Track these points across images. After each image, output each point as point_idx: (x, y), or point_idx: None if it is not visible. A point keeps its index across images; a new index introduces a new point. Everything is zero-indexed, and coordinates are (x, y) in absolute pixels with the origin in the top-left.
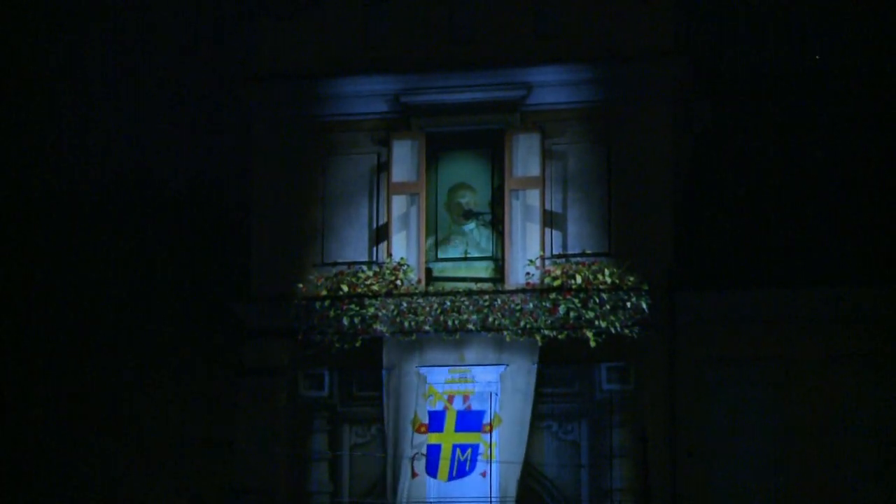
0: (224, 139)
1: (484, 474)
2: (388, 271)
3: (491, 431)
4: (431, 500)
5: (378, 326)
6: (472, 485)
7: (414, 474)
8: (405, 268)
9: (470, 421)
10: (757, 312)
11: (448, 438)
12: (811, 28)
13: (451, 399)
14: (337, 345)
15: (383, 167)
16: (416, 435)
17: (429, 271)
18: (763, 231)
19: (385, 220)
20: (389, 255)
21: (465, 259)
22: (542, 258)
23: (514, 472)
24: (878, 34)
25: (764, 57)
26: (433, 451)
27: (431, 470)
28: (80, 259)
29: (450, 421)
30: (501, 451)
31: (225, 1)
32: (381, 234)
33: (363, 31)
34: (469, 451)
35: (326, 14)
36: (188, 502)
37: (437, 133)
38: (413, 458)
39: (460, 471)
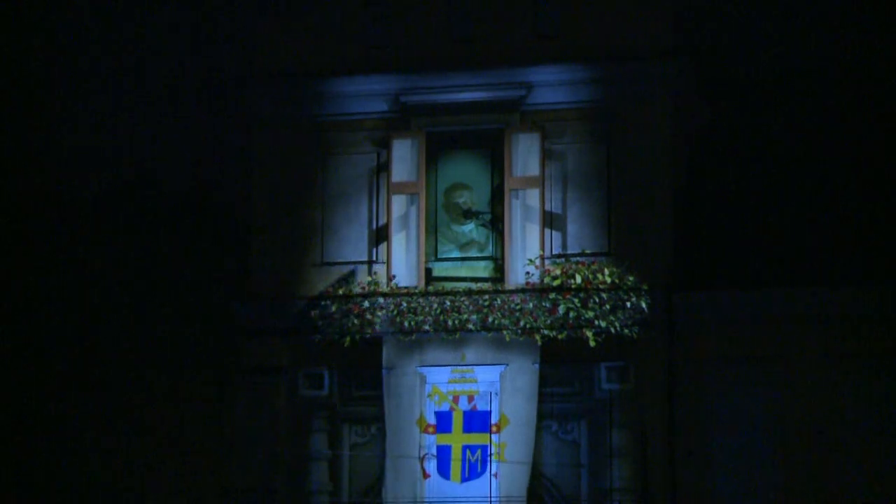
0: (224, 139)
1: (497, 475)
2: (378, 283)
3: (499, 432)
4: (432, 500)
5: (378, 326)
6: (483, 486)
7: (425, 475)
8: (395, 280)
9: (477, 421)
10: (757, 312)
11: (457, 439)
12: (811, 28)
13: (456, 399)
14: (337, 343)
15: (383, 167)
16: (424, 436)
17: (428, 271)
18: (763, 231)
19: (385, 219)
20: (389, 255)
21: (465, 259)
22: (542, 258)
23: (521, 474)
24: (877, 34)
25: (764, 57)
26: (443, 452)
27: (444, 471)
28: (80, 259)
29: (457, 422)
30: (508, 451)
31: (225, 0)
32: (380, 234)
33: (363, 31)
34: (479, 451)
35: (326, 14)
36: (188, 502)
37: (437, 133)
38: (423, 459)
39: (472, 472)
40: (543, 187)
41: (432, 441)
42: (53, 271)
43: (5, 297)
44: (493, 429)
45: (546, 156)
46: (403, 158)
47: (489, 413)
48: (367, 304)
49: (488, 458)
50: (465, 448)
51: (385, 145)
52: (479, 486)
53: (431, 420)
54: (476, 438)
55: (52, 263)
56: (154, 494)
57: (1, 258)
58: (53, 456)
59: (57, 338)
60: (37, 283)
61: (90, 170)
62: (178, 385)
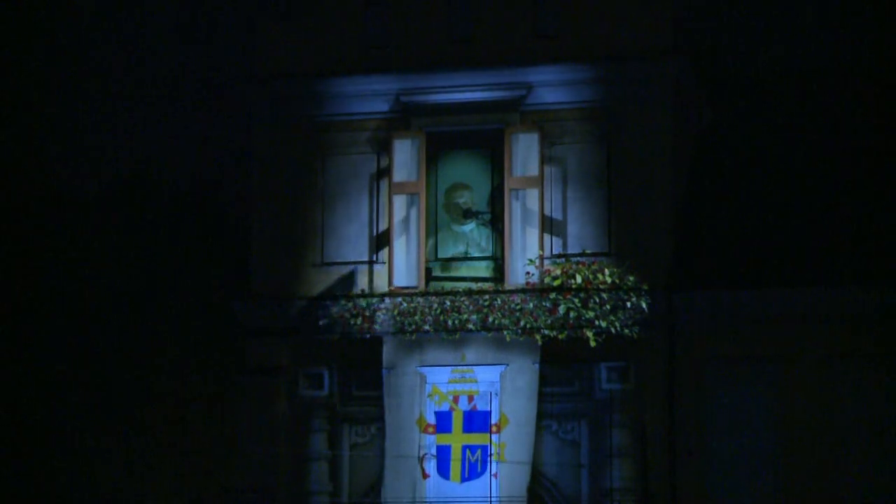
0: (224, 139)
1: (496, 475)
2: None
3: (499, 432)
4: (432, 500)
5: (378, 326)
6: (483, 486)
7: (425, 475)
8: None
9: (477, 421)
10: (757, 312)
11: (457, 439)
12: (811, 28)
13: (456, 399)
14: (337, 343)
15: (383, 167)
16: (424, 436)
17: (428, 271)
18: (763, 231)
19: (384, 219)
20: (390, 255)
21: (465, 259)
22: (541, 258)
23: (521, 473)
24: (878, 34)
25: (764, 57)
26: (443, 452)
27: (444, 471)
28: (81, 259)
29: (457, 422)
30: (508, 451)
31: (225, 0)
32: (380, 235)
33: (363, 31)
34: (479, 451)
35: (326, 14)
36: (188, 502)
37: (437, 133)
38: (422, 459)
39: (472, 472)
40: (542, 187)
41: (432, 441)
42: (53, 271)
43: (5, 297)
44: (493, 429)
45: (546, 156)
46: (404, 158)
47: (489, 413)
48: (367, 304)
49: (488, 459)
50: (464, 448)
51: (385, 145)
52: (478, 486)
53: (431, 420)
54: (476, 438)
55: (52, 263)
56: (154, 494)
57: (1, 258)
58: (54, 455)
59: (57, 338)
60: (37, 283)
61: (90, 169)
62: (178, 385)
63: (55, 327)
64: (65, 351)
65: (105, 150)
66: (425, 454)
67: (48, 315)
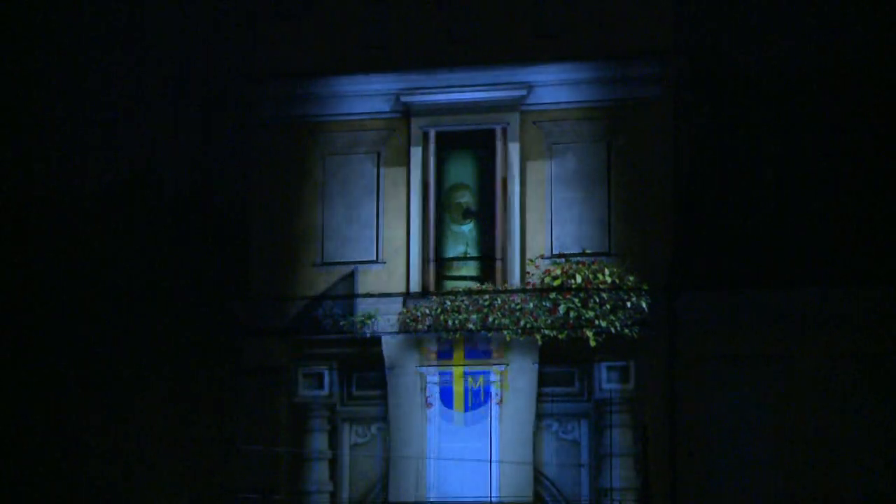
0: (223, 139)
1: (500, 402)
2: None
3: (501, 358)
4: (432, 500)
5: (378, 326)
6: (485, 416)
7: (428, 404)
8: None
9: (478, 352)
10: (757, 312)
11: (458, 363)
12: (811, 28)
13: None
14: (337, 343)
15: (382, 167)
16: (426, 369)
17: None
18: (763, 231)
19: (384, 219)
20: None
21: (465, 259)
22: (503, 258)
23: (523, 474)
24: (877, 34)
25: (764, 56)
26: (445, 377)
27: (446, 400)
28: (80, 259)
29: (458, 349)
30: (506, 452)
31: (225, 0)
32: (380, 234)
33: (363, 31)
34: (481, 378)
35: (326, 14)
36: (188, 502)
37: (438, 133)
38: (425, 389)
39: (475, 401)
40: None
41: (433, 369)
42: (53, 271)
43: (5, 297)
44: (495, 354)
45: (547, 155)
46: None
47: (490, 351)
48: (367, 304)
49: (491, 386)
50: (466, 374)
51: (382, 144)
52: (481, 417)
53: (432, 348)
54: (477, 363)
55: (52, 263)
56: (154, 494)
57: (1, 258)
58: (54, 456)
59: (57, 338)
60: (37, 283)
61: (90, 170)
62: (178, 385)
63: (55, 327)
64: (65, 351)
65: (105, 150)
66: (428, 394)
67: (48, 315)
